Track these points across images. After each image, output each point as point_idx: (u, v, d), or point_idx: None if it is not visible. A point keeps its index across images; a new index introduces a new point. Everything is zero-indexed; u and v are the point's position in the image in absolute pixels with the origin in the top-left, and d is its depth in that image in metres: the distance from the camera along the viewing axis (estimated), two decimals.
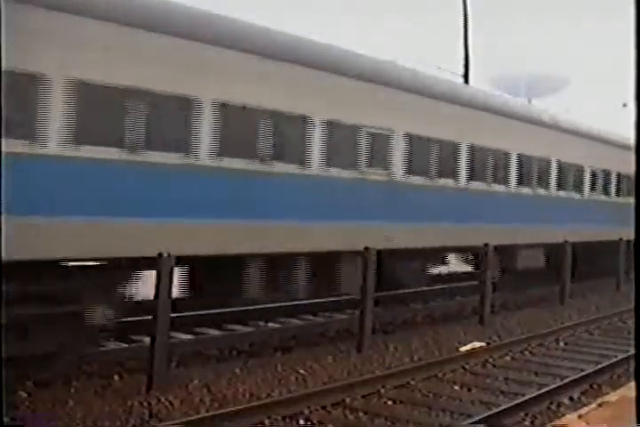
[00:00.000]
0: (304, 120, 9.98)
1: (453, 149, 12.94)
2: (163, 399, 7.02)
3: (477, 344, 10.28)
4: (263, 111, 9.35)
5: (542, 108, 19.88)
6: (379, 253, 10.30)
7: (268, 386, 7.75)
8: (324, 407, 7.08)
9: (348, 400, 7.33)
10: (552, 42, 74.24)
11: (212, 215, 8.79)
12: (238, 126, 9.15)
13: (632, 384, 5.63)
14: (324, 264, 10.75)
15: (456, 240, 12.90)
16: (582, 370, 8.93)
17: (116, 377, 7.81)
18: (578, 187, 17.70)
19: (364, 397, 7.53)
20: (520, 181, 15.14)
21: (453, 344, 10.37)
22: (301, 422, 6.71)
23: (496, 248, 13.10)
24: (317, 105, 10.21)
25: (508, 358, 9.81)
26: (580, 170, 17.72)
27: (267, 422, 6.58)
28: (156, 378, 7.40)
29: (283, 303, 11.70)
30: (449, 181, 12.86)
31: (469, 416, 6.93)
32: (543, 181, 16.06)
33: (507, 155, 14.57)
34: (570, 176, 17.25)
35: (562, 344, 11.00)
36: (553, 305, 15.02)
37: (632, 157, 18.56)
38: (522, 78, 65.51)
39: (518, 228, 14.57)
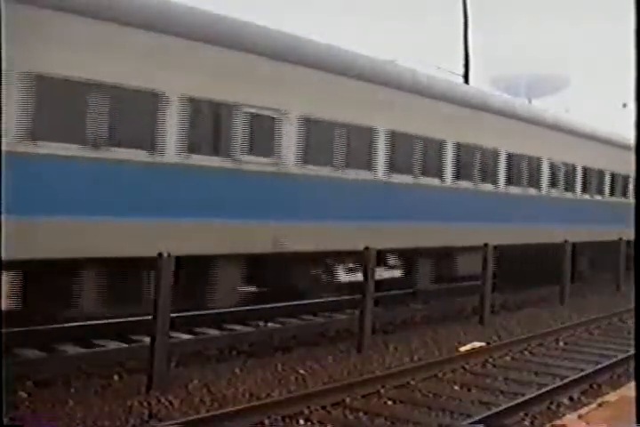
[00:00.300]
0: (154, 97, 8.37)
1: (368, 134, 11.14)
2: (163, 399, 7.02)
3: (477, 344, 10.27)
4: (89, 84, 7.83)
5: (480, 89, 16.83)
6: (262, 257, 9.01)
7: (267, 386, 7.75)
8: (324, 407, 7.08)
9: (348, 400, 7.32)
10: (552, 42, 74.19)
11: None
12: (57, 102, 7.65)
13: (632, 384, 5.63)
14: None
15: (373, 242, 10.69)
16: (582, 370, 8.93)
17: (115, 377, 7.80)
18: (535, 182, 15.63)
19: (363, 397, 7.52)
20: (457, 174, 13.10)
21: (453, 344, 10.37)
22: (301, 422, 6.71)
23: (426, 251, 11.41)
24: (172, 78, 8.52)
25: (507, 358, 9.81)
26: (537, 162, 15.65)
27: (267, 422, 6.57)
28: (156, 378, 7.39)
29: (283, 303, 11.69)
30: (361, 173, 11.12)
31: (469, 416, 6.92)
32: (488, 174, 14.01)
33: (440, 144, 12.65)
34: (523, 169, 15.12)
35: (562, 344, 10.99)
36: (553, 305, 15.01)
37: (602, 148, 17.83)
38: (522, 78, 65.52)
39: (455, 227, 12.74)
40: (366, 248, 10.03)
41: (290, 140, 9.87)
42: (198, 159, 8.89)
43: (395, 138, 11.62)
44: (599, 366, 9.15)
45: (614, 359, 9.49)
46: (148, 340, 7.84)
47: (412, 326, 12.00)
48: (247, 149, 9.40)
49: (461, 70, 22.75)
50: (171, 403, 6.96)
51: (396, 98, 11.78)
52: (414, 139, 12.13)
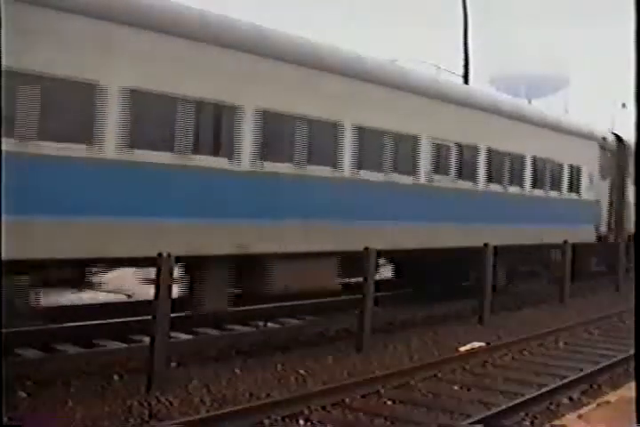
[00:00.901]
0: None
1: (167, 103, 8.32)
2: (162, 399, 7.02)
3: (477, 344, 10.28)
4: None
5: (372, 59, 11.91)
6: None
7: (267, 386, 7.75)
8: (323, 407, 7.08)
9: (347, 400, 7.33)
10: (552, 42, 74.29)
11: None
12: None
13: (632, 384, 5.64)
14: None
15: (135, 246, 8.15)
16: (582, 370, 8.94)
17: (115, 377, 7.81)
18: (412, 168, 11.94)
19: (363, 397, 7.53)
20: (300, 159, 9.88)
21: (453, 344, 10.37)
22: (301, 422, 6.72)
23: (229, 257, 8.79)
24: None
25: (507, 358, 9.81)
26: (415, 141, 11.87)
27: (267, 422, 6.58)
28: (156, 378, 7.40)
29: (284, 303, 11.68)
30: (150, 154, 8.18)
31: (469, 416, 6.93)
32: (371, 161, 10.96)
33: (236, 112, 9.05)
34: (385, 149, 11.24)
35: (562, 344, 10.99)
36: (553, 305, 15.02)
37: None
38: (522, 78, 65.71)
39: (317, 225, 10.09)
40: (366, 248, 10.02)
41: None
42: None
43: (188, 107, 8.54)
44: (599, 366, 9.16)
45: (614, 359, 9.50)
46: (147, 340, 7.85)
47: (412, 326, 11.99)
48: None
49: (461, 70, 22.76)
50: (171, 403, 6.97)
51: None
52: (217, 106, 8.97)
